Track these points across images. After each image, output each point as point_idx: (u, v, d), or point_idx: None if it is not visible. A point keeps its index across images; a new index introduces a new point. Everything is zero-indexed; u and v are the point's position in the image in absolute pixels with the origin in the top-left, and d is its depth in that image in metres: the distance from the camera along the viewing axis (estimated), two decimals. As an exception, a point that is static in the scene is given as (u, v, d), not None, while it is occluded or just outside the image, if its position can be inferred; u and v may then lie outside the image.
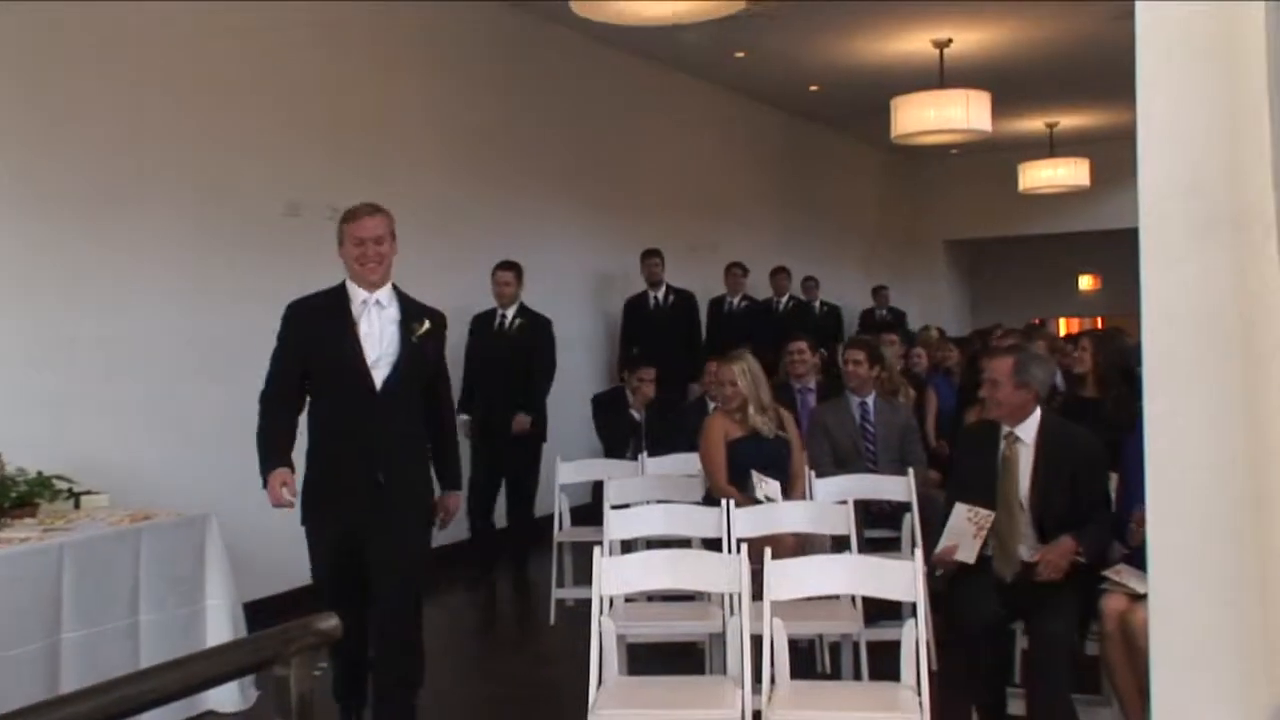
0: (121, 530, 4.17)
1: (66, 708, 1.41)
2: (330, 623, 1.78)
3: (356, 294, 3.81)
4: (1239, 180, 1.46)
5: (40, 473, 4.32)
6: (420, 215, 6.27)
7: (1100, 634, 3.57)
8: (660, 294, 8.56)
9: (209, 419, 5.54)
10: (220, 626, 4.41)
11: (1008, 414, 3.85)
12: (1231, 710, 1.43)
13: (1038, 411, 3.87)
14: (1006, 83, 9.76)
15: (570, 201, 8.57)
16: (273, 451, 3.79)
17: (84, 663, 3.89)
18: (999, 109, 8.92)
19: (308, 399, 3.90)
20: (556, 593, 5.72)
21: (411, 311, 3.88)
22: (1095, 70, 10.33)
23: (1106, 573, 3.60)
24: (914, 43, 9.26)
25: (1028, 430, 3.84)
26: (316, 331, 3.81)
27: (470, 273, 6.92)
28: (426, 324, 3.87)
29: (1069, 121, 13.22)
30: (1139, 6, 1.61)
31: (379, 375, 3.75)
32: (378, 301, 3.81)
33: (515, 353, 6.70)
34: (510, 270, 6.82)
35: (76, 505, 4.48)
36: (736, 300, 9.46)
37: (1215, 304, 1.48)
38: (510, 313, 6.81)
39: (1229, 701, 1.44)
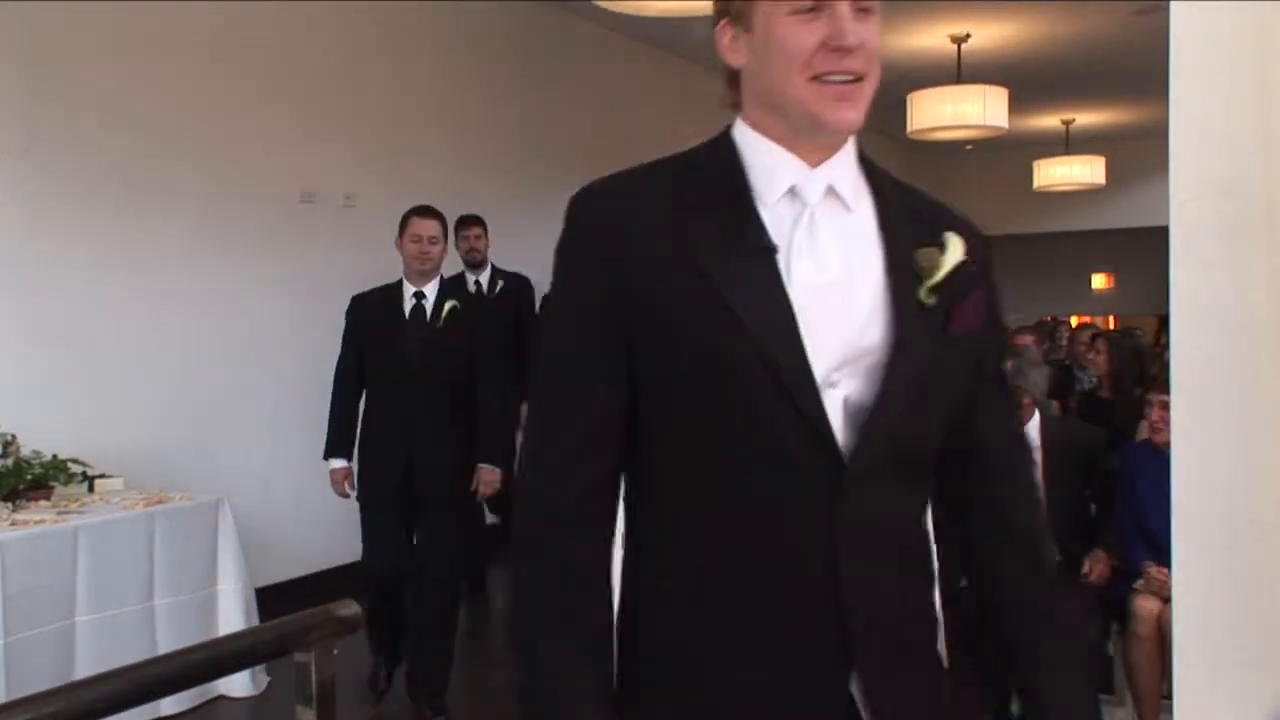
0: (135, 514, 4.18)
1: (91, 689, 1.41)
2: (351, 610, 1.78)
3: None
4: (1273, 180, 1.45)
5: (55, 456, 4.33)
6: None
7: (1128, 634, 3.57)
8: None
9: (222, 403, 5.57)
10: (233, 612, 4.43)
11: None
12: (1255, 712, 1.43)
13: (1036, 414, 3.91)
14: (1024, 79, 9.72)
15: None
16: None
17: (99, 646, 3.91)
18: (1015, 105, 8.88)
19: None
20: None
21: None
22: (1113, 67, 10.29)
23: (1137, 585, 3.61)
24: (931, 38, 9.23)
25: (1031, 432, 3.88)
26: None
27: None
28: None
29: (1085, 119, 13.18)
30: (1173, 6, 1.60)
31: None
32: None
33: None
34: None
35: (90, 488, 4.50)
36: None
37: (1247, 306, 1.47)
38: None
39: (1253, 704, 1.44)
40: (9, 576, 3.66)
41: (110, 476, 4.57)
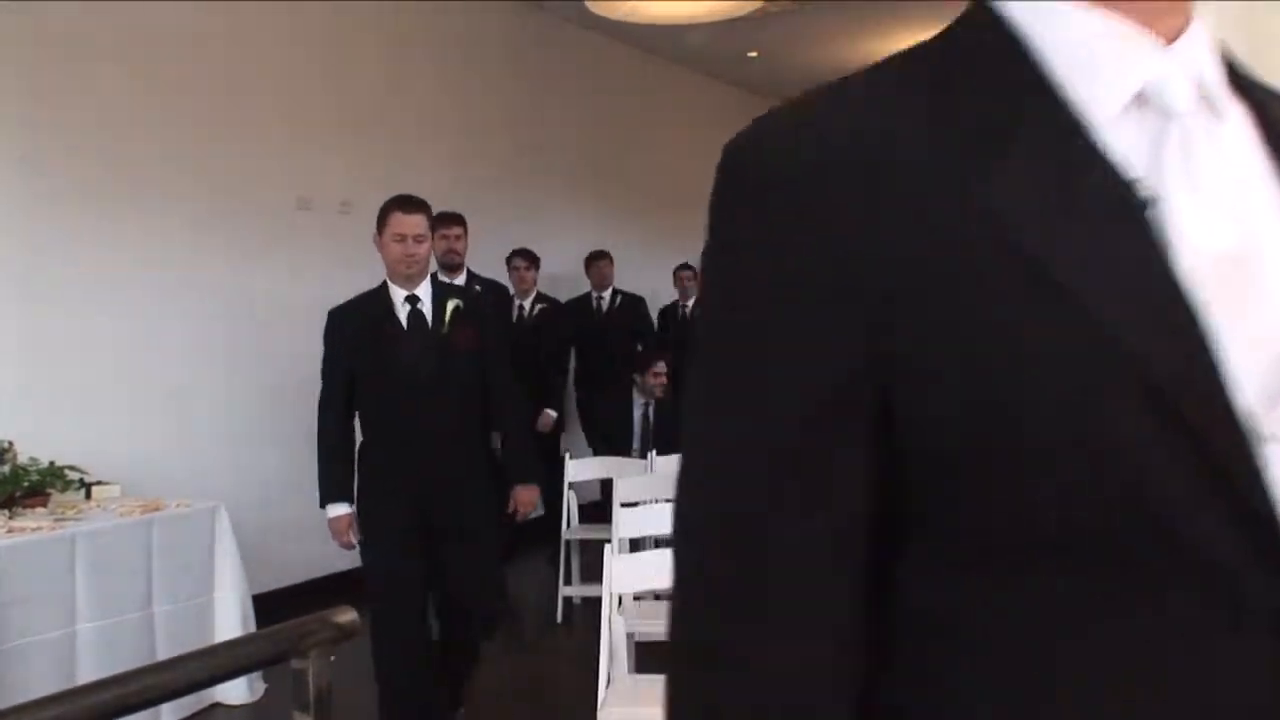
0: (133, 521, 4.18)
1: (87, 697, 1.41)
2: (348, 616, 1.78)
3: None
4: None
5: (52, 463, 4.33)
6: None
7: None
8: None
9: (219, 410, 5.57)
10: (230, 619, 4.42)
11: None
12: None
13: None
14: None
15: (581, 198, 8.58)
16: None
17: (101, 653, 3.90)
18: (1011, 111, 8.90)
19: None
20: (564, 590, 5.73)
21: None
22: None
23: None
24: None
25: None
26: None
27: (482, 268, 6.96)
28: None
29: (1080, 124, 13.25)
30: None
31: None
32: None
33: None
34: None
35: (88, 495, 4.49)
36: (529, 302, 6.87)
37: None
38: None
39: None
40: (5, 584, 3.66)
41: (107, 483, 4.57)
